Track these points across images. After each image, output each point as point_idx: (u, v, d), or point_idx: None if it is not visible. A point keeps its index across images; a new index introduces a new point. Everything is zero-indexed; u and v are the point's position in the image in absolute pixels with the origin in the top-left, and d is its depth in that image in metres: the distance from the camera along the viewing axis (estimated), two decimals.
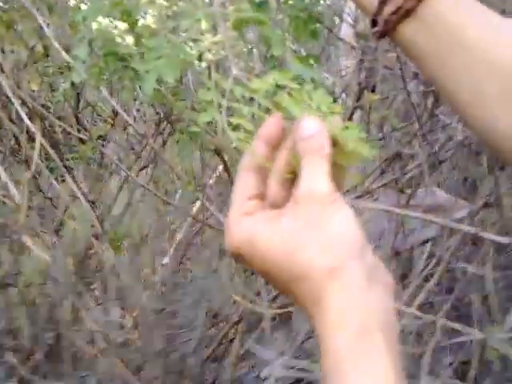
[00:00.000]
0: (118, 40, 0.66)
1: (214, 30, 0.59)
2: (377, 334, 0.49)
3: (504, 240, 1.50)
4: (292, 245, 0.51)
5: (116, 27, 0.66)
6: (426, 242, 1.80)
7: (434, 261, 1.70)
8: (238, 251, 0.53)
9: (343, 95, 2.00)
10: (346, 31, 2.30)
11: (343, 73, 2.29)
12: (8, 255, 2.07)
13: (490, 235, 1.54)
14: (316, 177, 0.52)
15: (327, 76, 2.18)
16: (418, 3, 0.57)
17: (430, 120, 1.90)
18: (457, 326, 1.49)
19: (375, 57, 1.89)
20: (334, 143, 0.54)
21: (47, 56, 2.38)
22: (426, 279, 1.67)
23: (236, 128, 0.55)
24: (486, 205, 1.76)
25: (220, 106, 0.55)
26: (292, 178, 0.54)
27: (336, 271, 0.49)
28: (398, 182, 1.89)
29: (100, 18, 0.66)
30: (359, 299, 0.49)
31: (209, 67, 0.59)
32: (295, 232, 0.51)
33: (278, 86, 0.56)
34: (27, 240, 2.09)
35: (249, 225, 0.53)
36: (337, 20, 2.34)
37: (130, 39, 0.65)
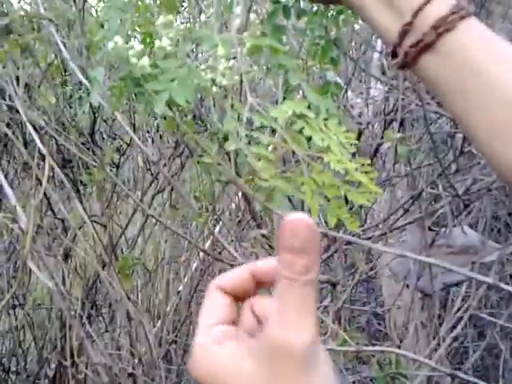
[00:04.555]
0: (133, 61, 0.63)
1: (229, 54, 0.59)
2: None
3: None
4: None
5: (132, 47, 0.64)
6: (455, 285, 1.70)
7: (462, 307, 1.59)
8: (202, 380, 0.47)
9: (372, 124, 1.92)
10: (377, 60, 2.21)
11: (370, 100, 2.20)
12: (15, 279, 1.99)
13: (508, 287, 1.42)
14: (288, 318, 0.41)
15: (358, 101, 2.09)
16: (437, 38, 0.56)
17: (458, 158, 1.80)
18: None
19: (403, 89, 1.81)
20: None
21: (65, 71, 2.31)
22: (455, 326, 1.56)
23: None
24: None
25: (238, 134, 0.54)
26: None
27: None
28: (423, 220, 1.79)
29: (117, 38, 0.64)
30: None
31: (225, 96, 0.58)
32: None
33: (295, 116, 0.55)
34: (32, 266, 2.01)
35: (217, 355, 0.46)
36: (369, 46, 2.25)
37: (145, 60, 0.63)
